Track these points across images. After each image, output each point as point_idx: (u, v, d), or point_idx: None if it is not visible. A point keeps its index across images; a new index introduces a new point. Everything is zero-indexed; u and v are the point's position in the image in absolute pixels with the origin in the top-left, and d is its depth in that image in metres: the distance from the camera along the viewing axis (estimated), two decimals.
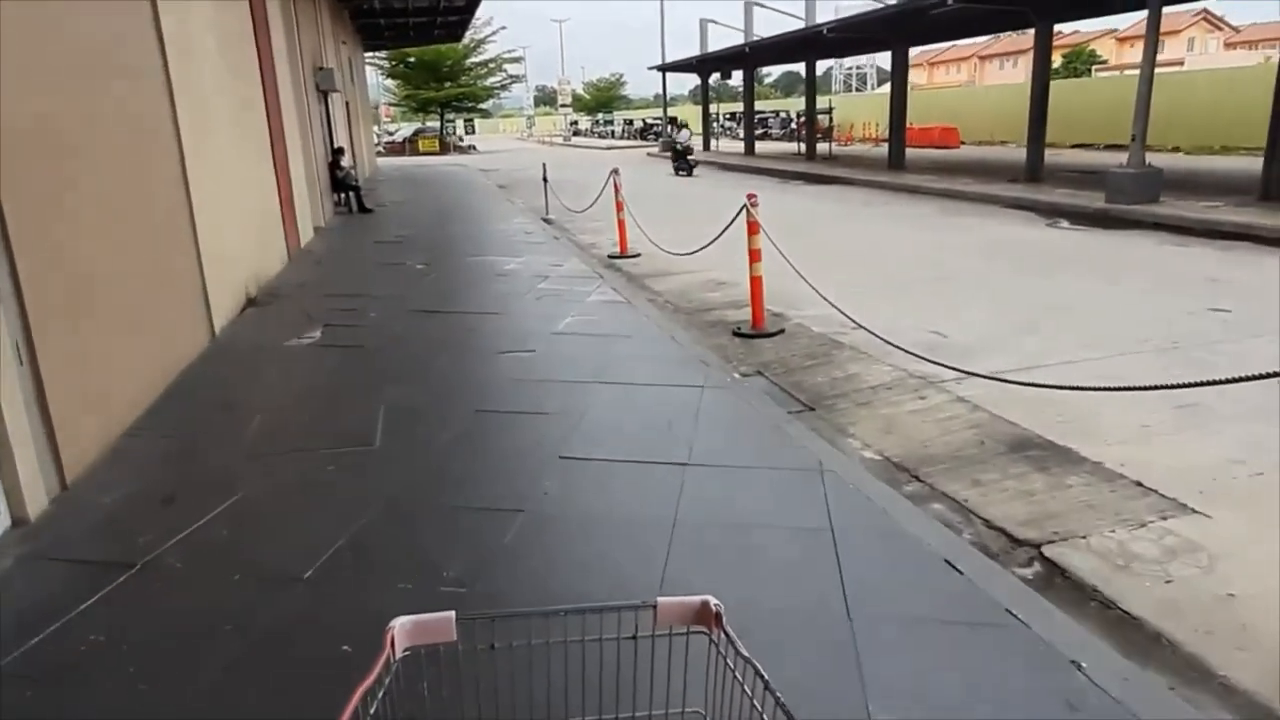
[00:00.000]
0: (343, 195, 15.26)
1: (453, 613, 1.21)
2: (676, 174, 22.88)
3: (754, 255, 6.53)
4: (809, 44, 24.12)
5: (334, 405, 4.68)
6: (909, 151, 22.66)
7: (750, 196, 6.50)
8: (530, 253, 9.96)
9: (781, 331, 6.62)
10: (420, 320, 6.64)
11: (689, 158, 22.99)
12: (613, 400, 4.66)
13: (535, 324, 6.45)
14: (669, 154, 25.47)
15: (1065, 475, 3.87)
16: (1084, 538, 3.31)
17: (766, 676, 1.12)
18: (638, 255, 10.39)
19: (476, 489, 3.53)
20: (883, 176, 19.64)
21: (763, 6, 28.78)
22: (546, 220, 13.77)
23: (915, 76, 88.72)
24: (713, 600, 1.26)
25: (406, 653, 1.19)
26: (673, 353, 5.63)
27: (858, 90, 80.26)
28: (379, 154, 43.12)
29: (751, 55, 27.09)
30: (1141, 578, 3.03)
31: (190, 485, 3.63)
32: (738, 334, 6.61)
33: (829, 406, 4.99)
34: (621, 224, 10.49)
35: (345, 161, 15.19)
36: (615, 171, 10.56)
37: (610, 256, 10.49)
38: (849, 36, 21.24)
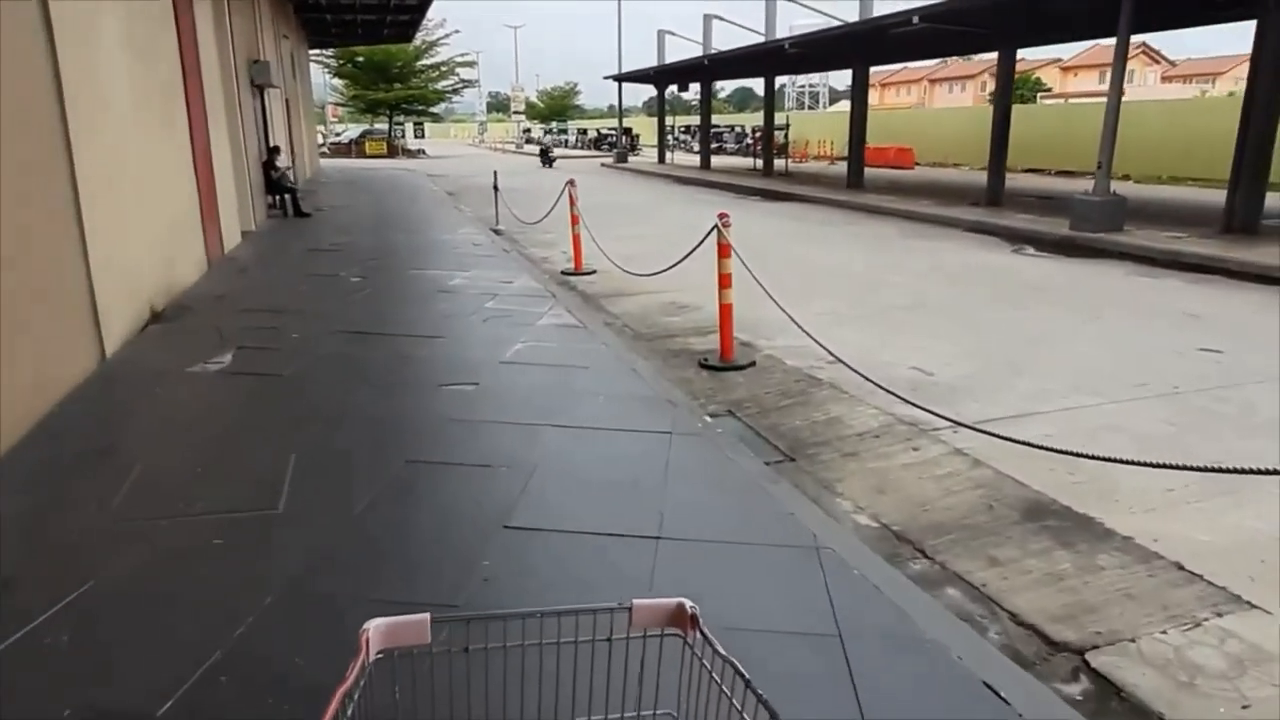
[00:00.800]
0: (278, 197, 14.33)
1: (427, 615, 1.19)
2: (543, 167, 32.98)
3: (724, 280, 5.97)
4: (769, 59, 23.86)
5: (236, 452, 3.94)
6: (865, 171, 22.51)
7: (722, 216, 5.94)
8: (478, 267, 9.25)
9: (752, 364, 6.05)
10: (350, 344, 5.89)
11: (550, 155, 35.05)
12: (568, 449, 4.01)
13: (480, 351, 5.77)
14: (540, 154, 36.11)
15: (1093, 553, 3.35)
16: (1132, 641, 2.77)
17: (748, 675, 1.11)
18: (593, 272, 9.77)
19: (400, 573, 2.86)
20: (841, 195, 19.38)
21: (722, 20, 28.50)
22: (496, 231, 13.06)
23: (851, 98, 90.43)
24: (688, 602, 1.25)
25: (380, 655, 1.17)
26: (635, 388, 5.01)
27: (810, 108, 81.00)
28: (324, 155, 41.73)
29: (710, 68, 26.74)
30: (1212, 699, 2.50)
31: (32, 566, 2.87)
32: (705, 366, 6.02)
33: (812, 457, 4.43)
34: (577, 238, 9.85)
35: (281, 161, 14.27)
36: (571, 183, 9.93)
37: (564, 273, 9.84)
38: (810, 53, 20.99)
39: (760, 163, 28.15)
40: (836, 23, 22.15)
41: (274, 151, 14.01)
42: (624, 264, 8.71)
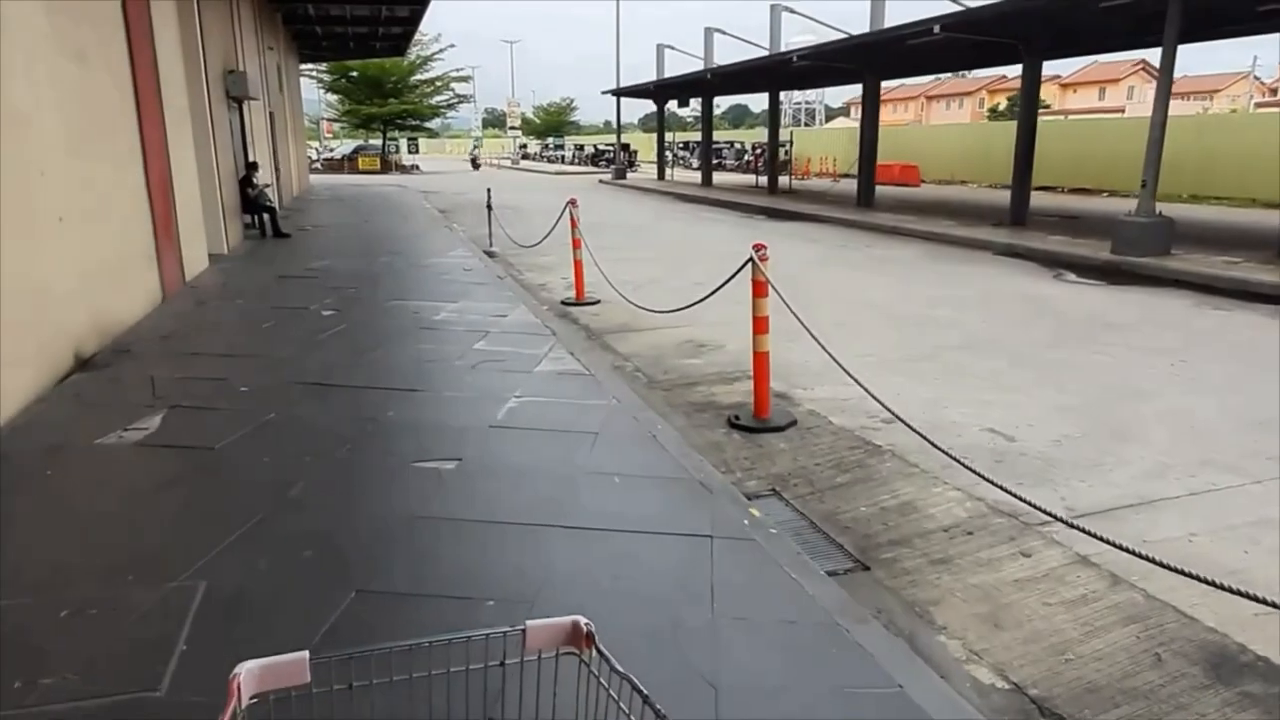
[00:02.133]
0: (255, 217, 13.34)
1: (305, 653, 1.10)
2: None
3: (760, 325, 4.96)
4: (774, 72, 23.02)
5: (123, 581, 2.90)
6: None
7: (758, 248, 4.94)
8: (468, 296, 8.25)
9: (793, 424, 5.04)
10: (308, 400, 4.87)
11: (477, 162, 39.88)
12: (580, 567, 2.99)
13: (466, 409, 4.76)
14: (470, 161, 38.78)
15: None
16: None
17: (645, 690, 1.09)
18: (597, 302, 8.77)
19: None
20: (853, 214, 18.45)
21: (724, 34, 27.68)
22: (489, 253, 12.07)
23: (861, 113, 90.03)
24: (583, 620, 1.21)
25: (254, 700, 1.07)
26: (658, 464, 4.00)
27: (806, 125, 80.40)
28: (316, 171, 40.82)
29: (712, 82, 25.90)
30: None
31: None
32: (737, 425, 5.01)
33: (890, 564, 3.41)
34: (579, 265, 8.85)
35: (259, 178, 13.28)
36: (572, 203, 8.94)
37: (565, 303, 8.84)
38: (819, 65, 20.13)
39: (763, 180, 27.30)
40: (840, 36, 21.30)
41: (251, 168, 13.03)
42: (631, 293, 7.72)
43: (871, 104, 19.71)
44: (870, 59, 18.67)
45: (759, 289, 4.92)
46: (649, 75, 33.13)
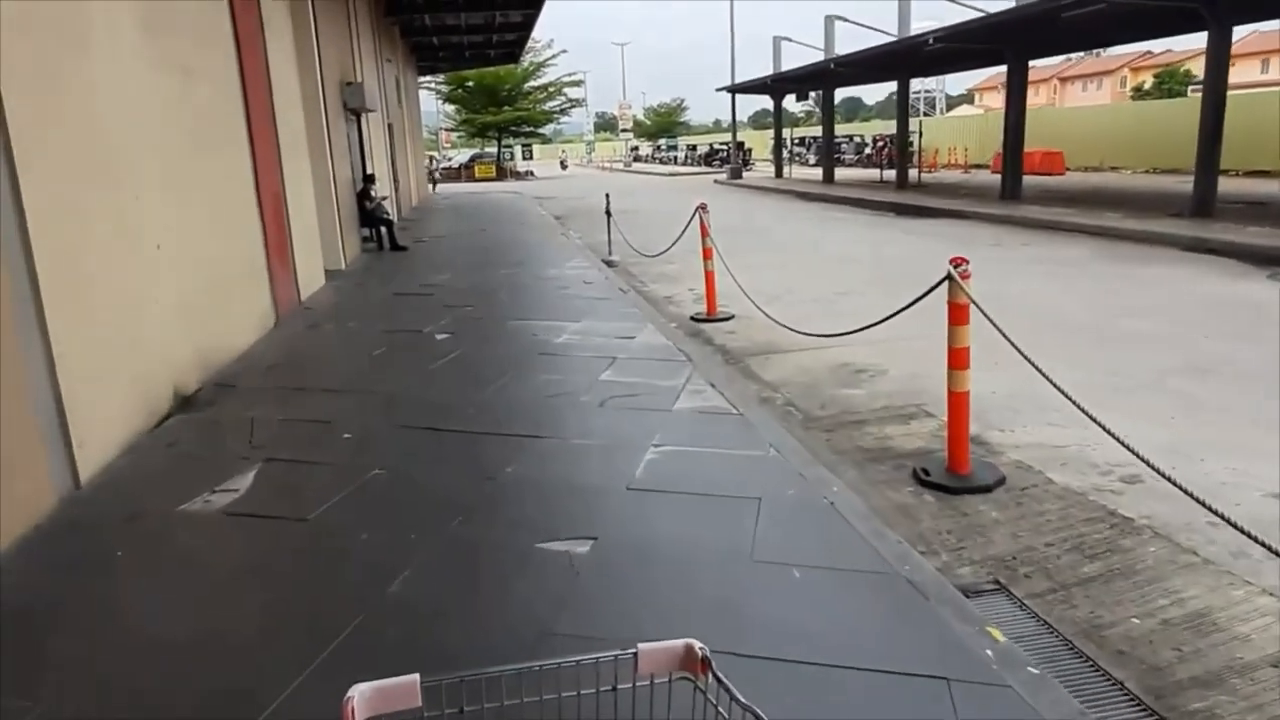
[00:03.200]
0: (373, 230, 13.16)
1: (416, 676, 1.08)
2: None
3: (958, 358, 3.97)
4: (905, 58, 21.49)
5: (175, 706, 2.25)
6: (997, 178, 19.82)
7: (958, 262, 3.95)
8: (591, 314, 7.54)
9: (1001, 482, 4.01)
10: (417, 449, 4.23)
11: (435, 176, 35.05)
12: None
13: (598, 462, 3.99)
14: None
15: None
16: None
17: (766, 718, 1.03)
18: (730, 317, 7.90)
19: None
20: (997, 208, 16.84)
21: (845, 21, 26.22)
22: (609, 262, 11.39)
23: (988, 100, 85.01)
24: (697, 644, 1.15)
25: None
26: (844, 547, 3.10)
27: (926, 114, 76.55)
28: (436, 180, 41.70)
29: (835, 72, 24.52)
30: None
31: None
32: (926, 482, 4.03)
33: None
34: (710, 277, 7.99)
35: (376, 191, 13.08)
36: (702, 208, 8.09)
37: (695, 318, 8.01)
38: (955, 49, 18.54)
39: (889, 174, 25.72)
40: (977, 14, 19.56)
41: (368, 180, 12.83)
42: (767, 305, 6.80)
43: (1018, 87, 17.98)
44: (1016, 37, 16.99)
45: (957, 314, 3.93)
46: (755, 71, 31.96)
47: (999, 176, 24.97)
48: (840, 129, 53.90)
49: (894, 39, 23.23)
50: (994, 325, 3.69)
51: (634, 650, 1.14)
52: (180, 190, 5.28)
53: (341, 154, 11.61)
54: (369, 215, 12.76)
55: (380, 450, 4.19)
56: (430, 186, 31.46)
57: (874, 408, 5.23)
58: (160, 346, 4.80)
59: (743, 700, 1.04)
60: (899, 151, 23.70)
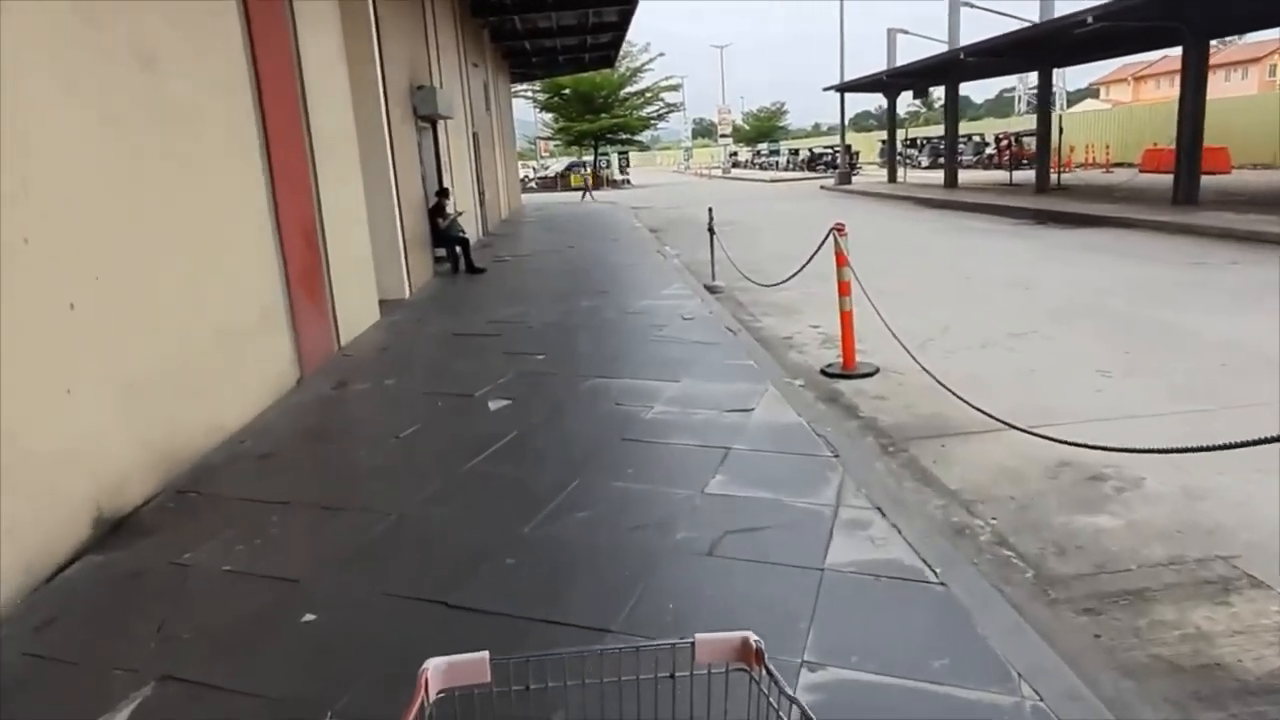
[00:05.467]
0: (447, 250, 11.81)
1: (486, 653, 1.15)
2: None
3: None
4: (1049, 44, 18.86)
5: None
6: (1155, 178, 16.99)
7: None
8: (693, 368, 5.79)
9: None
10: (417, 649, 2.56)
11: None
12: None
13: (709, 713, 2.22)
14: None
15: None
16: None
17: (814, 716, 1.05)
18: (874, 372, 6.00)
19: None
20: (1171, 215, 14.16)
21: (973, 7, 23.59)
22: (711, 288, 9.63)
23: (1114, 93, 78.64)
24: (752, 636, 1.19)
25: (441, 695, 1.13)
26: None
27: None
28: (531, 190, 40.89)
29: (963, 64, 21.98)
30: None
31: None
32: None
33: None
34: (847, 319, 6.08)
35: (451, 206, 11.70)
36: (839, 230, 6.20)
37: (827, 372, 6.13)
38: (1115, 29, 15.91)
39: (1018, 176, 22.95)
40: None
41: (441, 195, 11.46)
42: (920, 350, 5.02)
43: (1195, 70, 15.18)
44: (1198, 13, 14.29)
45: None
46: (853, 72, 29.49)
47: (1152, 176, 21.85)
48: (943, 129, 50.18)
49: (1027, 25, 20.56)
50: None
51: (691, 640, 1.16)
52: (129, 224, 3.82)
53: (409, 167, 10.26)
54: (442, 234, 11.39)
55: (352, 653, 2.54)
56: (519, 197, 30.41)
57: (1150, 561, 3.25)
58: (77, 449, 3.32)
59: (790, 693, 1.07)
60: (1040, 151, 20.95)
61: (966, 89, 29.24)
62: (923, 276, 10.03)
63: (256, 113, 5.44)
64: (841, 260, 6.00)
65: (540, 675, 1.14)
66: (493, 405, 5.16)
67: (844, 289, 6.02)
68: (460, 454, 4.28)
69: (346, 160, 7.51)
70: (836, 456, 4.07)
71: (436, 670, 1.11)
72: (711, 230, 10.30)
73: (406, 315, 8.53)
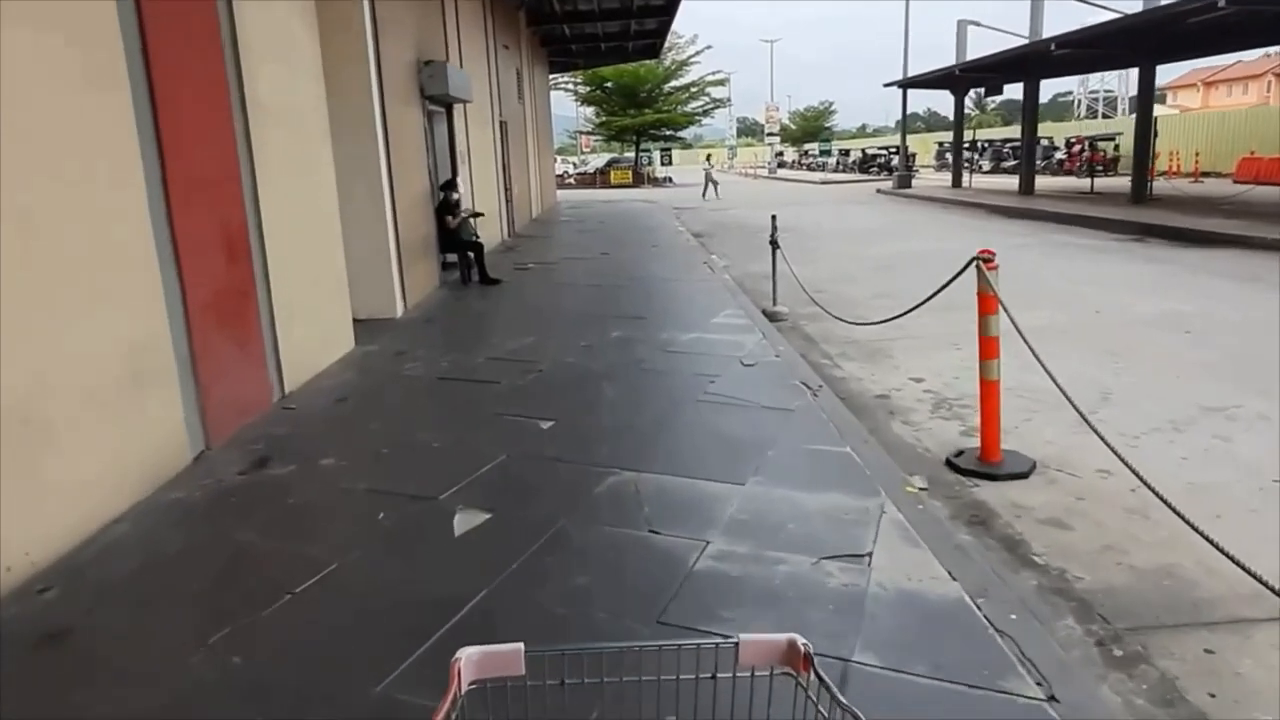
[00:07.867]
0: (459, 256, 10.07)
1: (521, 645, 1.09)
2: None
3: None
4: (1152, 36, 16.60)
5: None
6: (1264, 190, 14.64)
7: None
8: (764, 460, 3.93)
9: None
10: None
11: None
12: None
13: None
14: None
15: None
16: None
17: None
18: (1028, 471, 4.08)
19: None
20: None
21: None
22: (772, 316, 7.75)
23: (1183, 99, 74.62)
24: (800, 639, 1.12)
25: (473, 686, 1.08)
26: None
27: (1105, 117, 67.53)
28: (569, 186, 39.17)
29: (1049, 57, 19.71)
30: None
31: None
32: None
33: None
34: (991, 392, 4.14)
35: (461, 201, 9.91)
36: (986, 259, 4.24)
37: (956, 465, 4.20)
38: (1237, 19, 13.67)
39: (1102, 183, 20.61)
40: None
41: (447, 189, 9.66)
42: (1082, 432, 2.98)
43: None
44: None
45: None
46: (920, 67, 27.21)
47: (1250, 187, 19.50)
48: (991, 133, 47.28)
49: (1124, 15, 18.26)
50: None
51: (735, 640, 1.10)
52: None
53: (412, 157, 8.53)
54: (451, 236, 9.63)
55: None
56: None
57: None
58: None
59: (844, 701, 1.00)
60: (1139, 156, 18.63)
61: (1011, 92, 26.58)
62: (1038, 309, 8.00)
63: (137, 66, 3.69)
64: (989, 306, 4.07)
65: (575, 670, 1.09)
66: (461, 521, 3.35)
67: (989, 349, 4.10)
68: (382, 649, 2.47)
69: (308, 145, 5.76)
70: (1036, 673, 2.20)
71: (469, 660, 1.07)
72: (775, 243, 8.40)
73: (388, 344, 6.76)
